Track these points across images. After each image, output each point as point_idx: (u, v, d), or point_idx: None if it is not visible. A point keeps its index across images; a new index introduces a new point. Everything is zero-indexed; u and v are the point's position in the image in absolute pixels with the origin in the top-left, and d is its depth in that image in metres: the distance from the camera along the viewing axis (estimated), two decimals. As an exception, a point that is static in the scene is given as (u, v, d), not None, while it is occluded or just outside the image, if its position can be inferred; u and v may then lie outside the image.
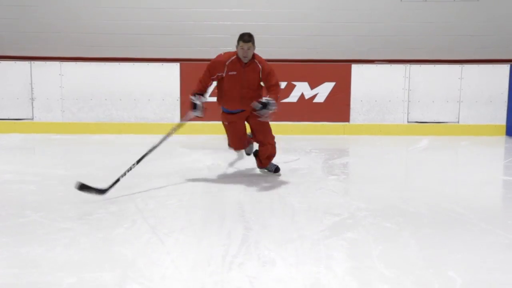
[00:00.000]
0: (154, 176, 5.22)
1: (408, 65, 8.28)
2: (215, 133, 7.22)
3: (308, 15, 8.72)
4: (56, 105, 8.21)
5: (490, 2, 8.70)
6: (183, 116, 5.25)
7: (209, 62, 5.07)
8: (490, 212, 4.21)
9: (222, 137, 5.37)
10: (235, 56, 4.96)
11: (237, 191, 4.81)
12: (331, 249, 3.27)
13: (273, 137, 5.31)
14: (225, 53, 5.02)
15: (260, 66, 4.99)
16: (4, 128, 8.04)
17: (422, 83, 8.28)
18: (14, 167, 5.66)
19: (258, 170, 5.48)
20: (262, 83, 5.12)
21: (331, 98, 8.24)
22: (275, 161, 5.42)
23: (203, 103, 5.01)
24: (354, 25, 8.72)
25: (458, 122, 8.32)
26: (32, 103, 8.19)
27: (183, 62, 8.17)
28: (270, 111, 4.89)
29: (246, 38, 4.87)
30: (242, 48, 4.88)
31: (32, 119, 8.22)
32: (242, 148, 5.43)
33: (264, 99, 4.88)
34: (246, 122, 5.27)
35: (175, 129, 5.11)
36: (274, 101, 4.87)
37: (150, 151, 4.82)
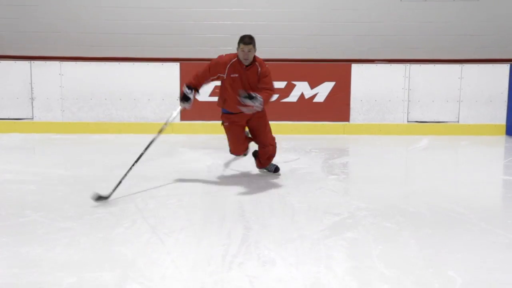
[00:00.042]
0: (154, 176, 5.22)
1: (408, 64, 8.28)
2: (215, 133, 7.21)
3: (308, 15, 8.72)
4: (56, 105, 8.22)
5: (490, 2, 8.70)
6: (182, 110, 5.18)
7: (210, 61, 5.02)
8: (490, 211, 4.21)
9: (222, 137, 5.37)
10: (236, 59, 4.91)
11: (237, 190, 4.81)
12: (331, 249, 3.27)
13: (273, 138, 5.30)
14: (226, 55, 4.98)
15: (259, 68, 4.93)
16: (4, 128, 8.04)
17: (422, 83, 8.28)
18: (14, 167, 5.66)
19: (258, 170, 5.48)
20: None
21: (331, 97, 8.24)
22: (274, 161, 5.41)
23: (194, 98, 4.97)
24: (354, 25, 8.72)
25: (458, 121, 8.32)
26: (32, 102, 8.19)
27: (183, 61, 8.17)
28: (253, 104, 4.67)
29: (246, 41, 4.80)
30: (243, 51, 4.81)
31: (32, 118, 8.22)
32: (243, 152, 5.38)
33: (253, 93, 4.73)
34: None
35: (169, 122, 5.08)
36: (261, 98, 4.69)
37: (147, 148, 4.78)
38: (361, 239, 3.48)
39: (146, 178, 5.05)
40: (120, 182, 4.40)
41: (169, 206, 4.26)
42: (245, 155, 5.61)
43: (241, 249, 3.25)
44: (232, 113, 5.09)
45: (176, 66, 8.15)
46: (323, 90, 8.24)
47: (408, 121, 8.34)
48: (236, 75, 4.89)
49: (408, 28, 8.72)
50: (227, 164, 5.85)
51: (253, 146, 5.42)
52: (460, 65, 8.29)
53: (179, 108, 5.07)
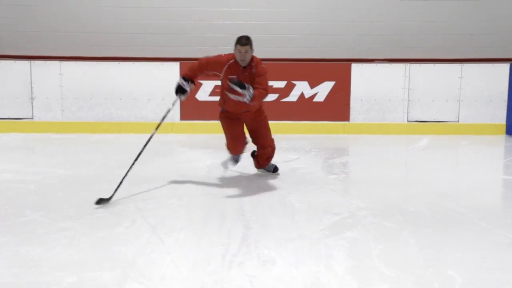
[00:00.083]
0: (153, 175, 5.21)
1: (408, 64, 8.28)
2: (215, 132, 7.21)
3: (308, 14, 8.72)
4: (56, 105, 8.21)
5: (490, 1, 8.70)
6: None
7: (209, 56, 4.95)
8: (490, 211, 4.21)
9: (222, 137, 5.37)
10: (233, 60, 4.81)
11: (237, 190, 4.81)
12: (331, 249, 3.27)
13: (273, 140, 5.28)
14: (225, 55, 4.91)
15: (254, 68, 4.81)
16: (4, 128, 8.04)
17: (422, 82, 8.28)
18: (14, 167, 5.66)
19: (258, 170, 5.47)
20: None
21: (331, 97, 8.24)
22: (274, 161, 5.41)
23: (190, 89, 4.88)
24: (354, 24, 8.72)
25: (458, 121, 8.32)
26: (32, 102, 8.19)
27: (183, 61, 8.16)
28: (242, 93, 4.51)
29: (243, 41, 4.69)
30: (240, 52, 4.70)
31: (32, 118, 8.22)
32: (240, 150, 5.28)
33: (246, 84, 4.57)
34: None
35: (164, 117, 5.00)
36: (252, 91, 4.53)
37: (145, 145, 4.75)
38: (361, 238, 3.48)
39: (146, 178, 5.05)
40: (120, 183, 4.39)
41: (169, 206, 4.26)
42: (236, 162, 5.54)
43: (241, 249, 3.25)
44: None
45: (176, 66, 8.14)
46: (323, 90, 8.24)
47: (408, 121, 8.34)
48: (234, 76, 4.79)
49: (408, 27, 8.72)
50: (227, 164, 5.85)
51: (250, 146, 5.42)
52: (460, 64, 8.28)
53: (174, 100, 4.96)
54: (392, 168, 6.11)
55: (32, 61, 8.18)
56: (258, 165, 5.36)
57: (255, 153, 5.36)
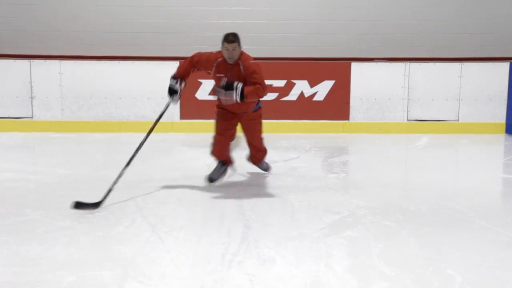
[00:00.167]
0: (153, 174, 5.22)
1: (408, 63, 8.28)
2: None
3: (308, 13, 8.72)
4: (55, 104, 8.22)
5: (489, 0, 8.71)
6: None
7: (198, 54, 4.84)
8: (490, 210, 4.21)
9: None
10: (222, 58, 4.68)
11: (237, 189, 4.81)
12: (331, 247, 3.27)
13: (262, 143, 5.14)
14: (216, 52, 4.78)
15: (241, 65, 4.64)
16: (3, 127, 8.04)
17: (422, 81, 8.28)
18: (13, 166, 5.67)
19: (257, 169, 5.47)
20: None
21: (331, 96, 8.24)
22: (274, 160, 5.41)
23: (181, 89, 4.76)
24: (353, 23, 8.72)
25: (458, 120, 8.32)
26: (31, 101, 8.20)
27: (183, 60, 8.14)
28: (225, 98, 4.55)
29: (230, 39, 4.55)
30: (227, 49, 4.57)
31: (32, 117, 8.22)
32: (223, 152, 4.98)
33: (235, 86, 4.52)
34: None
35: (159, 117, 4.85)
36: (239, 92, 4.48)
37: (137, 150, 4.58)
38: (361, 237, 3.48)
39: (145, 177, 5.05)
40: (111, 189, 4.20)
41: (169, 205, 4.25)
42: (211, 180, 4.95)
43: (241, 248, 3.24)
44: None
45: (176, 65, 8.07)
46: (323, 89, 8.24)
47: (408, 120, 8.34)
48: (222, 75, 4.68)
49: (407, 26, 8.72)
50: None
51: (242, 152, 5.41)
52: (460, 63, 8.29)
53: (167, 103, 4.82)
54: (392, 167, 6.11)
55: (32, 60, 8.18)
56: (251, 160, 5.33)
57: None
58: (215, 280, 2.79)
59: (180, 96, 4.80)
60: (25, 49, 8.49)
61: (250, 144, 5.15)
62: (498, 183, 5.43)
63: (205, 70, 4.82)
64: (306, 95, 8.24)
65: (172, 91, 4.74)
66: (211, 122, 4.97)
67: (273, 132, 7.53)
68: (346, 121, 8.34)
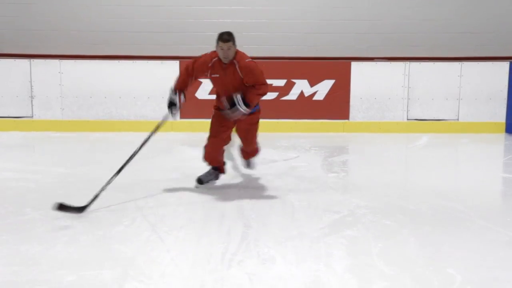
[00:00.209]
0: (153, 173, 5.22)
1: (408, 62, 8.27)
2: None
3: (307, 13, 8.72)
4: (55, 103, 8.22)
5: (489, 0, 8.69)
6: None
7: (193, 60, 4.68)
8: (489, 209, 4.21)
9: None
10: (216, 58, 4.55)
11: (237, 188, 4.81)
12: (331, 247, 3.27)
13: (255, 148, 5.06)
14: (210, 53, 4.65)
15: (237, 64, 4.50)
16: (3, 126, 8.03)
17: (422, 81, 8.28)
18: (13, 165, 5.67)
19: (258, 168, 5.46)
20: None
21: (331, 95, 8.24)
22: (274, 159, 5.40)
23: (181, 102, 4.60)
24: (353, 23, 8.71)
25: (458, 119, 8.32)
26: (31, 101, 8.19)
27: (183, 60, 8.14)
28: (233, 115, 4.53)
29: (225, 38, 4.40)
30: (222, 49, 4.42)
31: (32, 117, 8.22)
32: (216, 156, 4.84)
33: (237, 99, 4.45)
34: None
35: (155, 130, 4.64)
36: (240, 108, 4.43)
37: (131, 158, 4.42)
38: (361, 237, 3.48)
39: (145, 176, 5.05)
40: (97, 195, 4.09)
41: (169, 204, 4.26)
42: (200, 182, 4.84)
43: (240, 247, 3.25)
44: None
45: (176, 64, 8.13)
46: (322, 88, 8.24)
47: (407, 119, 8.34)
48: (217, 75, 4.59)
49: (407, 26, 8.71)
50: (226, 162, 5.84)
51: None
52: (460, 63, 8.28)
53: (165, 114, 4.65)
54: (392, 167, 6.11)
55: (32, 60, 8.17)
56: (241, 155, 5.22)
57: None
58: (215, 279, 2.79)
59: (180, 109, 4.63)
60: (25, 49, 8.48)
61: (246, 147, 5.06)
62: (498, 182, 5.43)
63: (204, 75, 4.68)
64: (306, 94, 8.24)
65: (171, 104, 4.60)
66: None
67: (273, 131, 7.54)
68: (346, 121, 8.33)
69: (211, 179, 4.87)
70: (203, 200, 4.45)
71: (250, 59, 4.59)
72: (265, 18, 8.64)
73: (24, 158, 6.54)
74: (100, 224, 3.69)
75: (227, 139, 4.85)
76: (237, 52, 4.55)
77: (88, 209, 3.95)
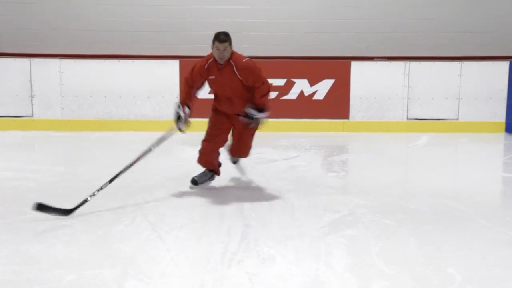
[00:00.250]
0: (153, 173, 5.22)
1: (408, 62, 8.27)
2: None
3: (307, 12, 8.72)
4: (55, 102, 8.21)
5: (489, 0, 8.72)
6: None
7: (189, 70, 4.65)
8: (489, 209, 4.21)
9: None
10: (212, 59, 4.51)
11: (237, 188, 4.82)
12: (331, 246, 3.27)
13: (248, 151, 4.97)
14: (205, 57, 4.61)
15: (234, 65, 4.45)
16: (3, 126, 8.03)
17: (422, 80, 8.28)
18: (13, 165, 5.67)
19: (257, 168, 5.47)
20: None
21: (331, 95, 8.23)
22: (273, 158, 5.39)
23: (185, 114, 4.55)
24: (353, 22, 8.72)
25: (458, 119, 8.32)
26: (31, 100, 8.19)
27: (183, 59, 8.16)
28: (257, 123, 4.55)
29: (222, 38, 4.37)
30: (218, 49, 4.38)
31: (32, 116, 8.22)
32: (209, 158, 4.79)
33: (249, 112, 4.49)
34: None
35: (156, 144, 4.59)
36: (259, 114, 4.48)
37: (126, 168, 4.32)
38: (360, 236, 3.48)
39: (145, 176, 5.05)
40: (86, 199, 3.99)
41: (169, 204, 4.26)
42: (194, 183, 4.81)
43: (240, 246, 3.25)
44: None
45: (175, 64, 8.15)
46: (322, 88, 8.24)
47: (407, 119, 8.34)
48: (213, 77, 4.54)
49: (407, 25, 8.72)
50: (226, 161, 5.84)
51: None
52: (460, 62, 8.28)
53: (171, 129, 4.62)
54: (392, 166, 6.11)
55: (32, 59, 8.17)
56: (229, 152, 5.08)
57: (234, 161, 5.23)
58: (215, 278, 2.79)
59: (186, 122, 4.57)
60: (25, 48, 8.48)
61: (238, 147, 4.91)
62: (497, 182, 5.44)
63: (204, 80, 4.62)
64: (306, 94, 8.24)
65: (178, 118, 4.56)
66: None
67: (273, 131, 7.52)
68: (346, 120, 8.33)
69: (206, 180, 4.84)
70: (203, 200, 4.45)
71: (247, 59, 4.56)
72: (265, 17, 8.64)
73: (24, 157, 6.53)
74: (100, 223, 3.69)
75: (223, 142, 4.81)
76: (233, 53, 4.50)
77: (87, 210, 3.94)
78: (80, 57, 8.30)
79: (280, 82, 8.11)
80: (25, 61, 8.16)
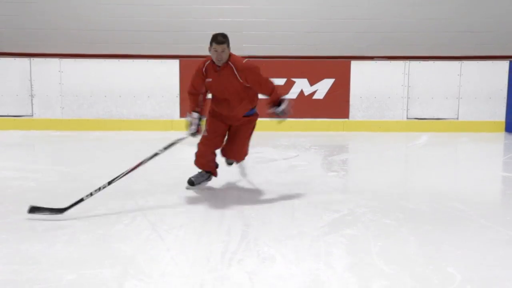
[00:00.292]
0: (153, 172, 5.21)
1: (408, 61, 8.28)
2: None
3: (307, 12, 8.72)
4: (55, 102, 8.22)
5: (489, -1, 8.72)
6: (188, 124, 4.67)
7: (191, 79, 4.65)
8: (489, 208, 4.21)
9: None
10: (209, 61, 4.48)
11: (237, 187, 4.81)
12: (331, 246, 3.27)
13: (242, 154, 4.87)
14: (201, 61, 4.58)
15: (234, 68, 4.40)
16: (3, 125, 8.04)
17: (422, 80, 8.28)
18: (13, 164, 5.67)
19: (257, 167, 5.47)
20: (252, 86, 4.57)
21: (331, 94, 8.23)
22: (274, 157, 5.39)
23: (195, 119, 4.56)
24: (353, 22, 8.72)
25: (458, 118, 8.32)
26: (31, 100, 8.19)
27: (183, 58, 8.16)
28: (285, 115, 4.63)
29: (220, 39, 4.33)
30: (216, 51, 4.33)
31: (32, 116, 8.22)
32: (204, 160, 4.77)
33: (272, 111, 4.54)
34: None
35: (164, 149, 4.55)
36: (281, 106, 4.54)
37: (127, 172, 4.26)
38: (360, 236, 3.48)
39: (145, 175, 5.04)
40: (82, 199, 3.95)
41: (169, 203, 4.26)
42: (191, 183, 4.79)
43: (240, 246, 3.25)
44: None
45: (175, 63, 8.15)
46: (322, 87, 8.24)
47: (407, 118, 8.34)
48: (210, 79, 4.49)
49: (407, 25, 8.72)
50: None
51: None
52: (460, 62, 8.28)
53: (185, 135, 4.64)
54: (392, 166, 6.11)
55: (32, 59, 8.17)
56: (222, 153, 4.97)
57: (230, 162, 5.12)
58: (215, 278, 2.79)
59: (198, 128, 4.58)
60: (25, 47, 8.48)
61: (232, 149, 4.82)
62: (497, 181, 5.43)
63: (205, 82, 4.58)
64: (306, 93, 8.24)
65: (189, 124, 4.59)
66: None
67: (272, 130, 7.51)
68: (346, 120, 8.34)
69: (202, 181, 4.82)
70: (203, 199, 4.45)
71: (246, 59, 4.53)
72: (265, 17, 8.64)
73: (24, 157, 6.54)
74: (100, 223, 3.69)
75: (219, 145, 4.77)
76: (231, 54, 4.47)
77: (87, 209, 3.94)
78: (80, 57, 8.30)
79: (280, 81, 8.10)
80: (25, 60, 8.16)
